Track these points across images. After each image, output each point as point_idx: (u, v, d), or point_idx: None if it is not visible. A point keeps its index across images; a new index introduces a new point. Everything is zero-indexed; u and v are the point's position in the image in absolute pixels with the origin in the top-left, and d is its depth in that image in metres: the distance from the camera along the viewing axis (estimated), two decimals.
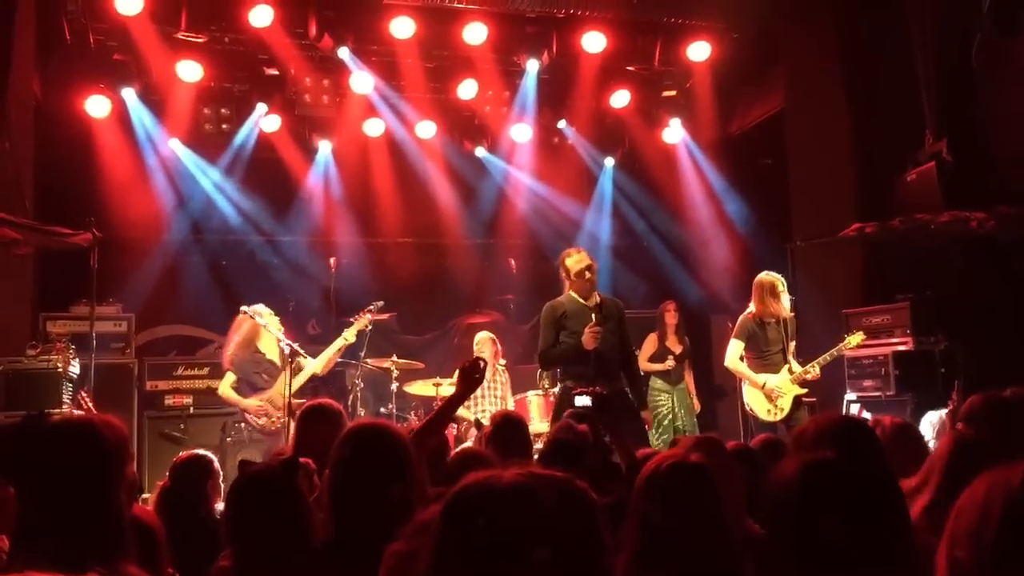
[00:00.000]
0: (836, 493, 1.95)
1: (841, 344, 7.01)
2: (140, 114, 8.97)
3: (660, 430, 8.52)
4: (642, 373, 8.24)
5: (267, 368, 7.05)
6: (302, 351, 6.84)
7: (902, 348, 7.25)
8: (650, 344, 8.98)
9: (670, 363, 8.77)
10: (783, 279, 7.14)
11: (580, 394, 4.83)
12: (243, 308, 7.02)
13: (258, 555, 2.52)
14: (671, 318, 9.00)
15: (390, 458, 2.69)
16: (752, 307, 7.14)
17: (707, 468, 2.26)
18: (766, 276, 7.15)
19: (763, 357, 7.08)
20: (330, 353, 7.20)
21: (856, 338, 7.03)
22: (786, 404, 6.93)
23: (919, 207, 6.92)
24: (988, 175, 6.95)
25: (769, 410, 7.01)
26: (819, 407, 7.17)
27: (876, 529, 1.93)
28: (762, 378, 7.00)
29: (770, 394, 6.98)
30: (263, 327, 6.93)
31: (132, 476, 2.79)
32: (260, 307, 7.04)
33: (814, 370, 6.94)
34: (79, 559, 1.16)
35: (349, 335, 7.21)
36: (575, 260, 6.30)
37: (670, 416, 8.72)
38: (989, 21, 6.59)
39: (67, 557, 1.92)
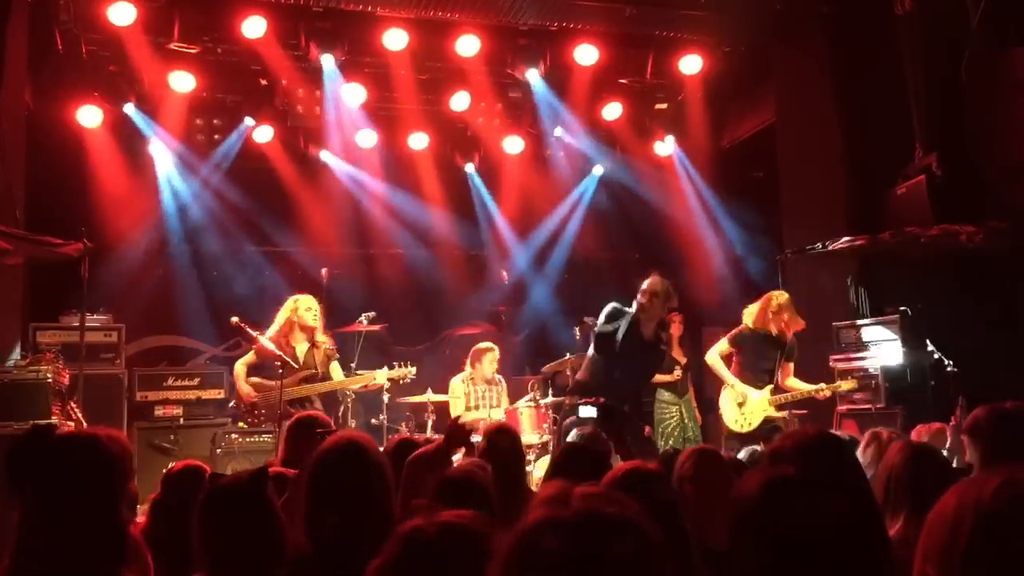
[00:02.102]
0: (797, 509, 1.91)
1: (829, 386, 7.13)
2: (132, 124, 8.96)
3: (671, 441, 8.48)
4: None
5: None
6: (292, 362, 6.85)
7: (892, 361, 7.28)
8: None
9: (677, 373, 8.71)
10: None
11: (585, 404, 4.84)
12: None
13: (230, 568, 2.48)
14: (676, 329, 8.97)
15: (364, 473, 2.66)
16: (752, 321, 7.16)
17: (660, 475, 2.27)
18: (787, 296, 7.19)
19: (752, 370, 7.14)
20: (356, 383, 7.41)
21: (847, 385, 7.19)
22: (755, 420, 7.00)
23: (909, 220, 6.95)
24: (978, 189, 6.98)
25: (736, 420, 7.08)
26: (809, 420, 7.18)
27: (844, 547, 1.89)
28: (741, 388, 7.08)
29: (742, 405, 7.06)
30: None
31: (132, 491, 2.77)
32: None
33: (824, 391, 7.04)
34: (83, 569, 1.16)
35: (380, 377, 7.42)
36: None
37: (679, 427, 8.67)
38: (979, 35, 6.64)
39: (71, 567, 1.92)
